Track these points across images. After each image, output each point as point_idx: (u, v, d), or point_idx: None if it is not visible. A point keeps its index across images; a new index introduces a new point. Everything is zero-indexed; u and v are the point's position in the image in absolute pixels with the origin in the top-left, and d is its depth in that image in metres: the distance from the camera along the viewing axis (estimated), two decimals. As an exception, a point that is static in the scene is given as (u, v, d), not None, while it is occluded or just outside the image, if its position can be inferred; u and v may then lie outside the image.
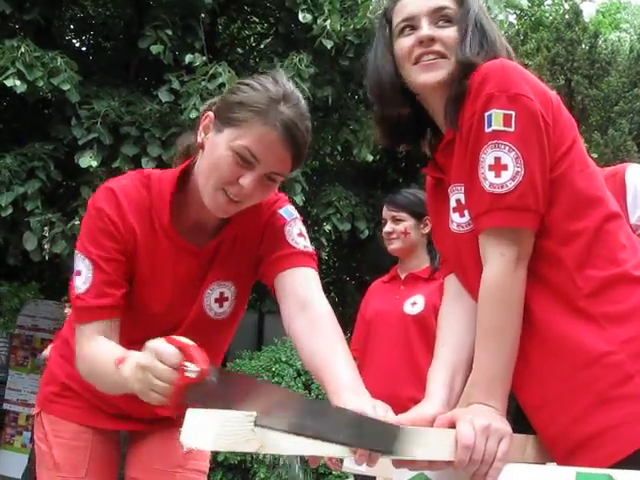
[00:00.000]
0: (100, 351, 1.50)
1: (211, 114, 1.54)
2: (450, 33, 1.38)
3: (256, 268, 1.66)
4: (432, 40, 1.37)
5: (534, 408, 1.31)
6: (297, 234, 1.63)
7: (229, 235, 1.63)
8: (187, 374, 1.13)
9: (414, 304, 2.97)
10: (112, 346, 1.49)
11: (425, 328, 2.86)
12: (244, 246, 1.66)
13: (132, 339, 1.42)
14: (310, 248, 1.63)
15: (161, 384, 1.16)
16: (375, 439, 1.16)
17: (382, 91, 1.45)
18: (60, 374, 1.80)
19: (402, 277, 3.11)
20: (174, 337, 1.19)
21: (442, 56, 1.37)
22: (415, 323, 2.91)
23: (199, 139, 1.55)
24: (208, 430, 1.02)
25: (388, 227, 3.11)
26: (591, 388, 1.22)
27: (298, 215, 1.69)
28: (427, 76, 1.38)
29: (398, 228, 3.08)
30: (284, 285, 1.56)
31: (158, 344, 1.18)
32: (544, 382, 1.28)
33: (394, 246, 3.10)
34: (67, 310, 6.59)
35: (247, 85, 1.51)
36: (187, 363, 1.13)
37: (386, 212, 3.14)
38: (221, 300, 1.66)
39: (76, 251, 1.58)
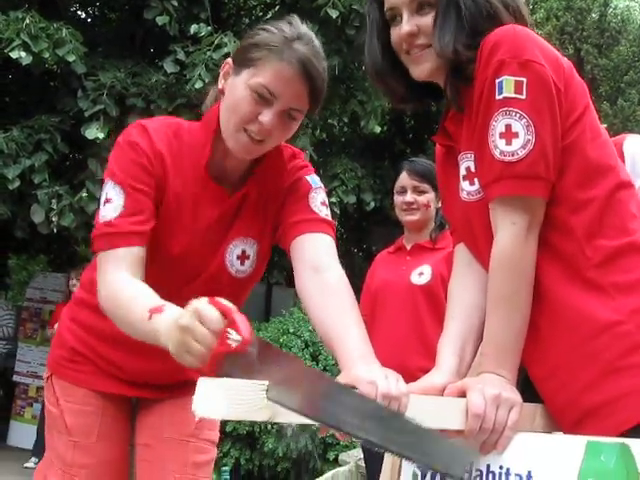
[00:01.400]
0: (129, 289, 1.42)
1: (230, 61, 1.59)
2: (432, 19, 1.35)
3: (275, 230, 1.67)
4: (413, 35, 1.37)
5: (542, 378, 1.31)
6: (320, 202, 1.64)
7: (252, 188, 1.64)
8: (229, 342, 1.06)
9: (421, 274, 2.95)
10: (144, 289, 1.40)
11: (433, 298, 2.86)
12: (267, 205, 1.67)
13: (149, 285, 1.42)
14: (330, 218, 1.64)
15: (199, 348, 1.09)
16: (401, 439, 1.08)
17: (383, 84, 1.49)
18: (70, 339, 1.81)
19: (408, 247, 3.09)
20: (218, 299, 1.12)
21: (428, 46, 1.36)
22: (423, 293, 2.90)
23: (220, 86, 1.59)
24: (220, 399, 1.02)
25: (409, 197, 3.02)
26: (600, 357, 1.22)
27: (323, 186, 1.70)
28: (417, 70, 1.40)
29: (421, 200, 3.00)
30: (300, 248, 1.57)
31: (202, 305, 1.11)
32: (553, 352, 1.28)
33: (413, 217, 3.03)
34: (73, 282, 6.62)
35: (263, 29, 1.55)
36: (230, 330, 1.06)
37: (407, 180, 3.04)
38: (243, 258, 1.66)
39: (106, 179, 1.56)
